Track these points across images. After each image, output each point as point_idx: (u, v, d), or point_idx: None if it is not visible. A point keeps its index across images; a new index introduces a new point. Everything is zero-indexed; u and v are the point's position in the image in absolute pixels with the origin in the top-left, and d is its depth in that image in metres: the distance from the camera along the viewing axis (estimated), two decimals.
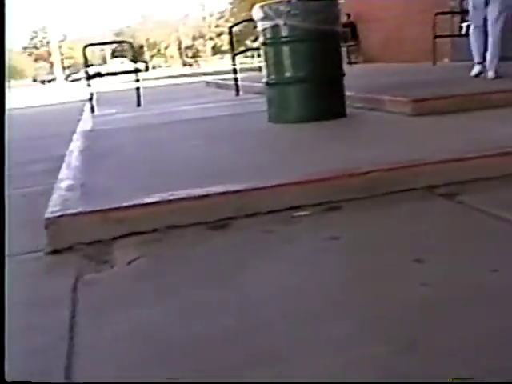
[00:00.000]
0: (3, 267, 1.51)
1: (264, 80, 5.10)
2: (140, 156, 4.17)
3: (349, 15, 16.89)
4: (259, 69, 15.33)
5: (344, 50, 16.04)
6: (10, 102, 16.28)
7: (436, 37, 10.82)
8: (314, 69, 4.79)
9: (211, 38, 61.05)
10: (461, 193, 2.81)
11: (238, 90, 8.59)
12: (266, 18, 4.78)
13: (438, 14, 10.92)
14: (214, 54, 60.56)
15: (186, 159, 3.81)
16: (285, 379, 1.42)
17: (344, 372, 1.42)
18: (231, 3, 47.79)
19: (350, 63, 15.59)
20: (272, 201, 2.69)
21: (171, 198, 2.62)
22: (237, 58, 9.36)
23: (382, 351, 1.48)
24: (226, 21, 45.76)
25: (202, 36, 61.81)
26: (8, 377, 1.45)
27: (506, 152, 3.16)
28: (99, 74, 12.46)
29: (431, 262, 2.03)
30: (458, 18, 12.26)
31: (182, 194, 2.66)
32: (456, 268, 1.97)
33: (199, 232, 2.52)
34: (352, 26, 17.00)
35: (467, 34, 8.66)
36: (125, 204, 2.61)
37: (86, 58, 9.37)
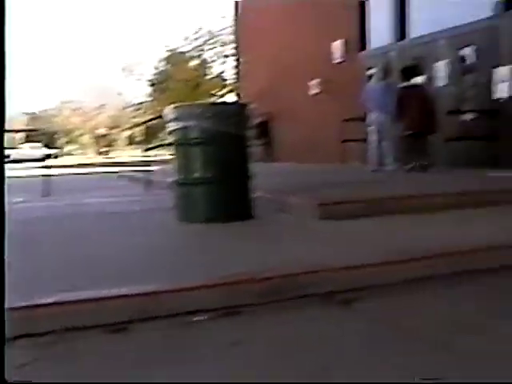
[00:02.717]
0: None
1: (173, 179, 5.18)
2: (42, 251, 4.09)
3: (263, 114, 17.45)
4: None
5: (257, 148, 16.54)
6: None
7: (344, 141, 11.39)
8: (221, 171, 4.91)
9: (127, 129, 61.38)
10: (357, 299, 2.92)
11: (149, 185, 8.64)
12: (177, 119, 4.91)
13: (345, 120, 11.55)
14: (130, 144, 60.70)
15: (90, 256, 3.77)
16: None
17: None
18: (149, 95, 48.43)
19: (262, 161, 16.03)
20: (173, 304, 2.71)
21: (70, 299, 2.60)
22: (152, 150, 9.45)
23: None
24: (144, 112, 46.22)
25: (119, 126, 61.99)
26: None
27: (403, 260, 3.34)
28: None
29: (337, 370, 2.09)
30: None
31: (82, 295, 2.64)
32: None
33: (97, 335, 2.49)
34: (265, 124, 17.56)
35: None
36: (23, 304, 2.56)
37: None
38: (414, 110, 9.56)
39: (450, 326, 2.57)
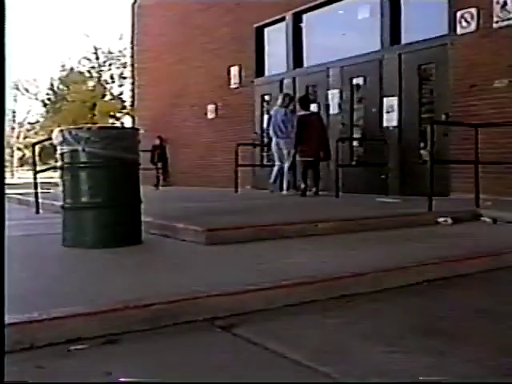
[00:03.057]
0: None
1: (60, 203, 5.05)
2: None
3: (161, 138, 17.39)
4: None
5: (153, 172, 16.41)
6: None
7: (238, 165, 11.52)
8: (110, 195, 4.82)
9: (19, 149, 59.35)
10: (238, 324, 2.94)
11: (38, 208, 8.35)
12: (64, 142, 4.80)
13: (239, 144, 11.70)
14: (21, 165, 58.71)
15: None
16: None
17: None
18: (44, 115, 47.05)
19: (156, 185, 15.91)
20: (49, 333, 2.61)
21: None
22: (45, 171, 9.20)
23: None
24: (36, 133, 44.92)
25: (10, 146, 59.89)
26: None
27: (281, 285, 3.40)
28: None
29: None
30: (259, 149, 13.21)
31: None
32: None
33: None
34: (162, 148, 17.47)
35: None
36: None
37: None
38: (312, 137, 9.88)
39: (330, 351, 2.63)
